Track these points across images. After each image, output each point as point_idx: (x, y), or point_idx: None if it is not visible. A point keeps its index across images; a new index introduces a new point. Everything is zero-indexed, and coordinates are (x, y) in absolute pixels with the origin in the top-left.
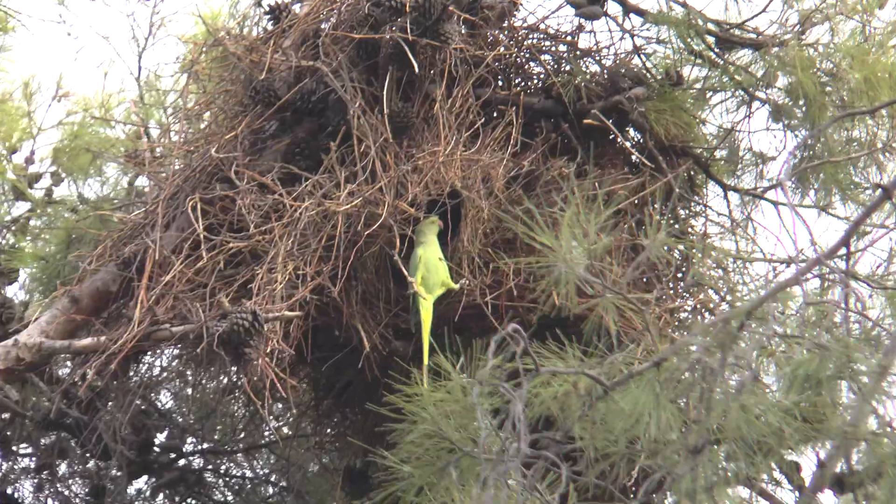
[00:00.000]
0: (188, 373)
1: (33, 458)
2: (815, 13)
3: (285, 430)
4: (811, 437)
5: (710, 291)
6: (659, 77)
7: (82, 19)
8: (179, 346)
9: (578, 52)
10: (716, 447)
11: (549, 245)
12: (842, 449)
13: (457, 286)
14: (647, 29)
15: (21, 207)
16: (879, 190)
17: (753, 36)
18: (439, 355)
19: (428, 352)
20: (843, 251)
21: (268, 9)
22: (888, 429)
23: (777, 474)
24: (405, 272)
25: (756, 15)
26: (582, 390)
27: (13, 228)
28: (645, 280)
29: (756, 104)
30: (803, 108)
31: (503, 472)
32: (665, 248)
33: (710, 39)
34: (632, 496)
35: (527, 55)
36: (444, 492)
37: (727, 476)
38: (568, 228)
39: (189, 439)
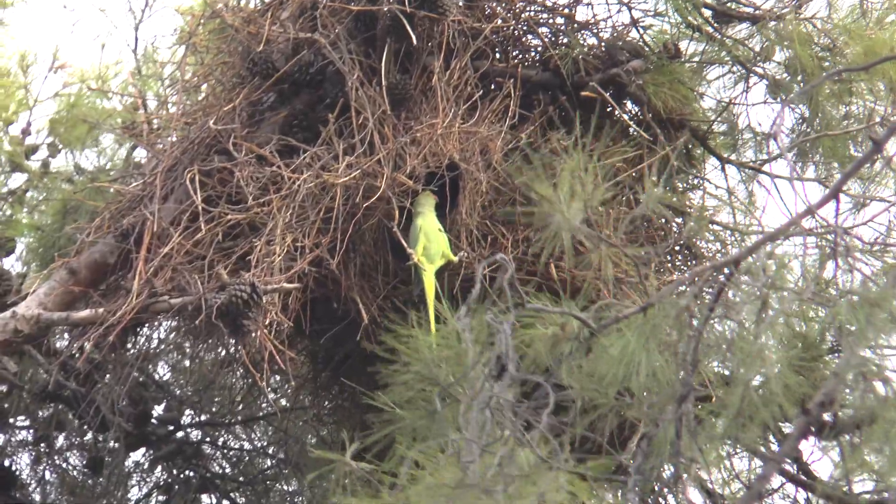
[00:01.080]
0: (186, 345)
1: (31, 431)
2: None
3: (283, 402)
4: (803, 389)
5: (707, 264)
6: (657, 50)
7: None
8: (178, 318)
9: (576, 25)
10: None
11: (547, 195)
12: (829, 394)
13: (456, 258)
14: (645, 2)
15: (18, 179)
16: (871, 143)
17: (751, 10)
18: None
19: (433, 319)
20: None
21: None
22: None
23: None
24: (405, 244)
25: None
26: (570, 333)
27: (10, 200)
28: (643, 253)
29: (753, 79)
30: (800, 83)
31: (488, 400)
32: (661, 203)
33: (708, 13)
34: (619, 448)
35: (524, 27)
36: (433, 434)
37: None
38: (567, 180)
39: (187, 411)
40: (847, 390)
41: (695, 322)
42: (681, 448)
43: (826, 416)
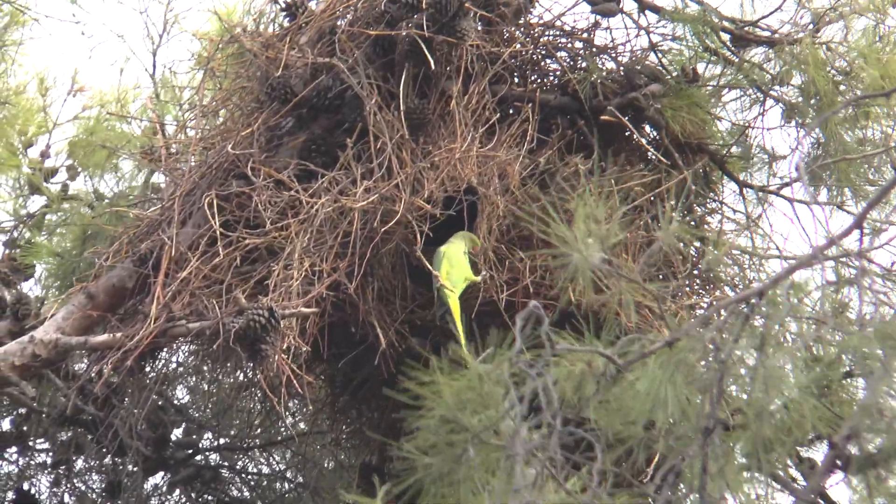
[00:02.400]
0: (204, 368)
1: (50, 454)
2: (828, 11)
3: (301, 426)
4: (829, 421)
5: (727, 289)
6: (675, 74)
7: (96, 17)
8: (196, 342)
9: (594, 49)
10: (730, 431)
11: (563, 237)
12: (854, 428)
13: (479, 278)
14: (663, 26)
15: (36, 202)
16: (894, 169)
17: (768, 34)
18: (458, 346)
19: (464, 337)
20: (856, 236)
21: (284, 5)
22: None
23: (793, 471)
24: (429, 266)
25: (771, 13)
26: (596, 370)
27: (29, 223)
28: (661, 277)
29: (770, 102)
30: (816, 107)
31: (528, 453)
32: (678, 238)
33: (725, 37)
34: (648, 481)
35: (543, 52)
36: (464, 480)
37: (738, 461)
38: (582, 218)
39: (205, 435)
40: (871, 424)
41: (720, 354)
42: (706, 483)
43: (852, 450)
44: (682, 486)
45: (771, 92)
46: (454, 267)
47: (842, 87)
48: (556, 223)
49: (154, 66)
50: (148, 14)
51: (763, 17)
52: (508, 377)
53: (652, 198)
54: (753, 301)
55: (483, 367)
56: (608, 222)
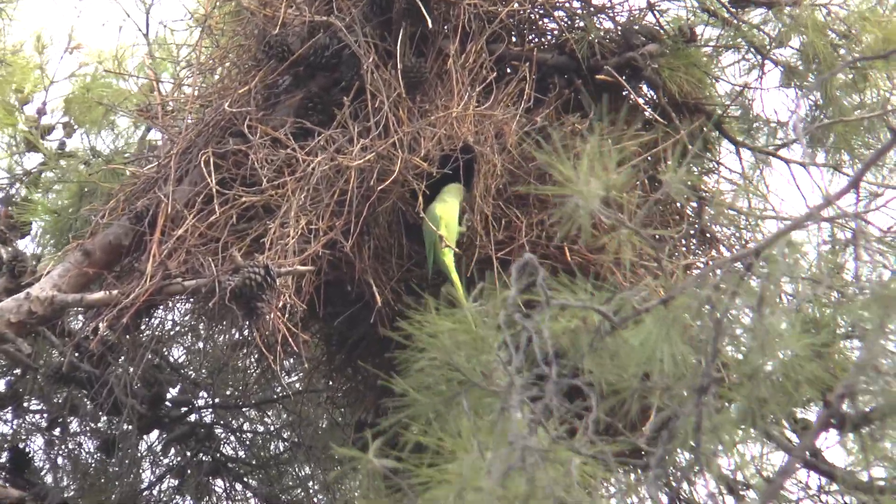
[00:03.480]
0: (200, 327)
1: (44, 415)
2: None
3: (297, 385)
4: (823, 386)
5: (723, 249)
6: (672, 34)
7: None
8: (191, 300)
9: (592, 8)
10: (723, 393)
11: (567, 175)
12: (849, 387)
13: (464, 228)
14: None
15: (33, 159)
16: (890, 132)
17: None
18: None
19: (462, 292)
20: (852, 197)
21: None
22: None
23: (788, 432)
24: (432, 226)
25: None
26: (591, 325)
27: (25, 181)
28: (657, 238)
29: (768, 65)
30: (815, 71)
31: (516, 403)
32: (683, 184)
33: None
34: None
35: (540, 11)
36: (454, 421)
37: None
38: (588, 159)
39: (200, 394)
40: (866, 383)
41: (715, 313)
42: (701, 440)
43: (846, 409)
44: (675, 444)
45: (770, 55)
46: (450, 230)
47: (841, 51)
48: (562, 160)
49: (147, 26)
50: None
51: None
52: (503, 322)
53: (649, 158)
54: (749, 260)
55: (477, 307)
56: (613, 167)
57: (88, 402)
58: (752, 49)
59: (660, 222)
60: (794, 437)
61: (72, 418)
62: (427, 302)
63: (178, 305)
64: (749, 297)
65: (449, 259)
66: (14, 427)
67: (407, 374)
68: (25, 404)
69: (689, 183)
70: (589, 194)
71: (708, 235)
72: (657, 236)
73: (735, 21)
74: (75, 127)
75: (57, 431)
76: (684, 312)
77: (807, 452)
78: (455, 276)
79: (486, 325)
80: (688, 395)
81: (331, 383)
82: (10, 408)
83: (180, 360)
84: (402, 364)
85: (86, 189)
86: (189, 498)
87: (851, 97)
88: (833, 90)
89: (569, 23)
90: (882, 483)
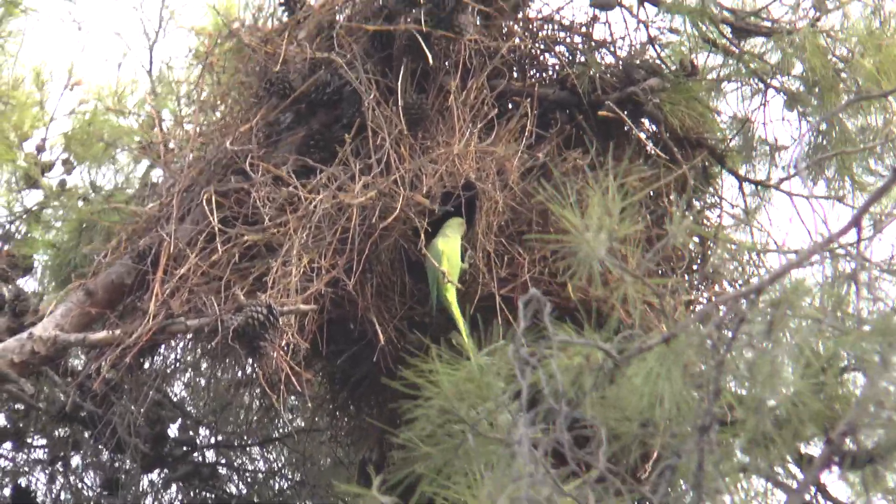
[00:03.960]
0: (203, 364)
1: (47, 451)
2: None
3: (300, 423)
4: (827, 419)
5: (725, 284)
6: (673, 67)
7: (92, 13)
8: (194, 339)
9: (593, 43)
10: (726, 430)
11: (575, 224)
12: (851, 424)
13: (467, 265)
14: (662, 19)
15: (33, 196)
16: (892, 171)
17: (768, 24)
18: (460, 335)
19: (465, 331)
20: (853, 233)
21: (282, 0)
22: None
23: (791, 467)
24: (434, 262)
25: (771, 2)
26: (594, 363)
27: (25, 217)
28: (660, 273)
29: (771, 92)
30: (817, 96)
31: (517, 454)
32: (688, 233)
33: (725, 28)
34: (642, 478)
35: (541, 46)
36: (461, 472)
37: (735, 458)
38: (595, 208)
39: (203, 432)
40: (869, 420)
41: (717, 350)
42: (703, 479)
43: (848, 445)
44: (678, 482)
45: (772, 82)
46: (452, 266)
47: (843, 75)
48: (569, 209)
49: (150, 62)
50: (143, 9)
51: (763, 7)
52: (508, 368)
53: (651, 193)
54: (751, 298)
55: (484, 359)
56: (619, 215)
57: (91, 441)
58: (753, 78)
59: (662, 258)
60: (797, 472)
61: (74, 454)
62: (431, 349)
63: (180, 344)
64: (751, 335)
65: (452, 295)
66: (16, 462)
67: (411, 422)
68: (29, 440)
69: (700, 230)
70: (596, 246)
71: (710, 271)
72: (659, 279)
73: (736, 51)
74: (75, 163)
75: (59, 467)
76: (686, 350)
77: (811, 489)
78: (457, 313)
79: (491, 373)
80: (690, 434)
81: (334, 421)
82: (12, 443)
83: (183, 398)
84: (406, 413)
85: (85, 225)
86: None
87: (854, 120)
88: (835, 115)
89: (570, 58)
90: None
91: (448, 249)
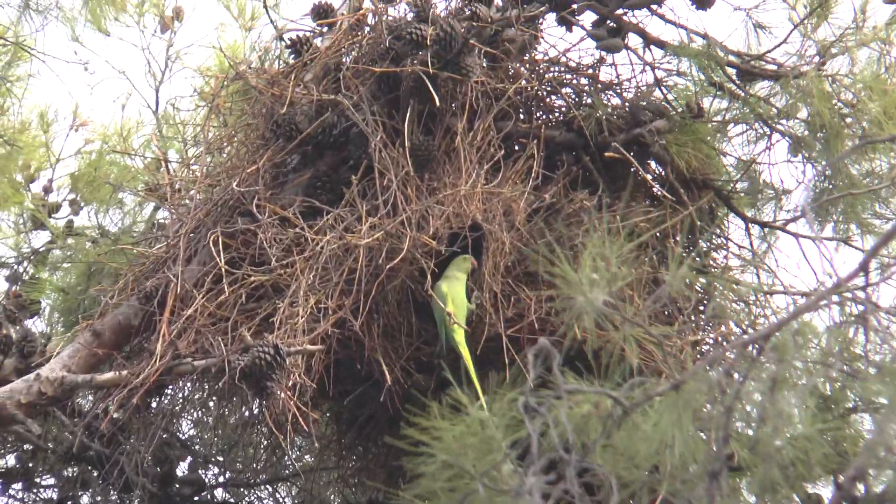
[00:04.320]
0: (210, 403)
1: (55, 491)
2: (834, 44)
3: (307, 461)
4: (834, 465)
5: (732, 324)
6: (680, 109)
7: (97, 54)
8: (201, 379)
9: (599, 85)
10: (735, 475)
11: (569, 277)
12: (860, 469)
13: (473, 306)
14: (668, 61)
15: (40, 237)
16: None
17: (774, 67)
18: (468, 382)
19: (474, 374)
20: (861, 277)
21: (289, 42)
22: None
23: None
24: (442, 305)
25: (776, 46)
26: (602, 411)
27: (33, 259)
28: (666, 313)
29: (776, 136)
30: (822, 141)
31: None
32: (686, 282)
33: (731, 71)
34: None
35: (548, 88)
36: None
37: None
38: (588, 259)
39: (211, 472)
40: (878, 464)
41: (727, 398)
42: None
43: (858, 491)
44: None
45: (777, 126)
46: (458, 307)
47: (848, 120)
48: (562, 263)
49: (157, 103)
50: (150, 51)
51: (769, 51)
52: (511, 418)
53: (657, 234)
54: (760, 343)
55: (485, 414)
56: (616, 263)
57: (100, 481)
58: (759, 121)
59: (668, 298)
60: None
61: (82, 493)
62: (432, 408)
63: (187, 384)
64: (760, 381)
65: (459, 336)
66: (25, 502)
67: (414, 481)
68: (37, 481)
69: (695, 272)
70: (593, 296)
71: (714, 313)
72: (664, 323)
73: (742, 94)
74: (82, 204)
75: None
76: (696, 396)
77: None
78: (466, 353)
79: (494, 426)
80: (699, 480)
81: (341, 461)
82: (21, 483)
83: (190, 437)
84: (411, 469)
85: (94, 268)
86: None
87: (861, 166)
88: (841, 160)
89: (576, 99)
90: None
91: (452, 292)
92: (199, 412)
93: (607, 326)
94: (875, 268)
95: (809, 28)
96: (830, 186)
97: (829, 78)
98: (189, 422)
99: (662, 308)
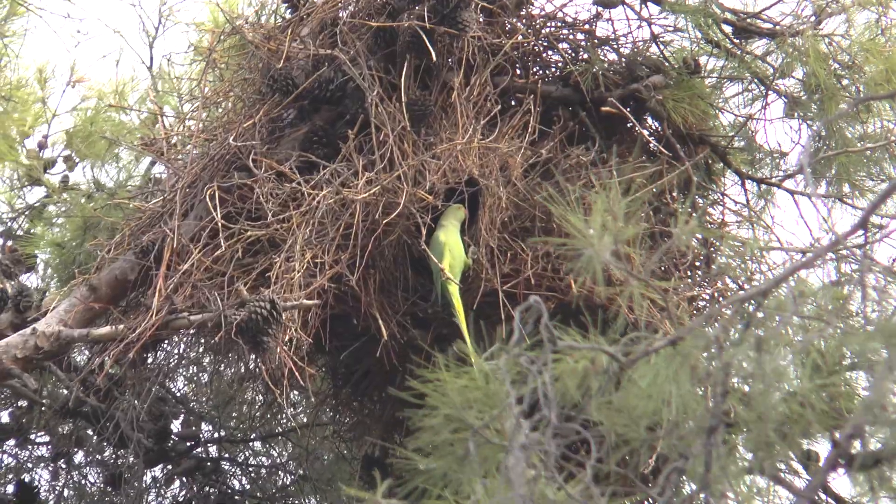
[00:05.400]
0: (205, 360)
1: (49, 447)
2: (830, 4)
3: (303, 418)
4: (830, 421)
5: (728, 280)
6: (676, 65)
7: (91, 11)
8: (197, 334)
9: (596, 41)
10: (731, 430)
11: (579, 228)
12: (857, 427)
13: (470, 260)
14: (665, 17)
15: (36, 193)
16: None
17: (770, 26)
18: (462, 338)
19: (466, 329)
20: (860, 234)
21: None
22: None
23: (795, 464)
24: (436, 261)
25: (773, 4)
26: (599, 367)
27: (28, 214)
28: (663, 269)
29: (772, 96)
30: (818, 102)
31: (525, 454)
32: (693, 236)
33: (727, 29)
34: (651, 483)
35: (544, 43)
36: (467, 481)
37: (742, 462)
38: (600, 211)
39: (206, 427)
40: (874, 421)
41: (723, 355)
42: (710, 480)
43: (854, 448)
44: (684, 484)
45: (773, 86)
46: (456, 258)
47: (844, 81)
48: (573, 212)
49: (151, 59)
50: (142, 6)
51: (765, 9)
52: (511, 374)
53: (654, 190)
54: (757, 300)
55: (488, 364)
56: (624, 217)
57: (94, 436)
58: (755, 80)
59: (665, 255)
60: (801, 469)
61: (77, 450)
62: (436, 358)
63: (183, 339)
64: (756, 338)
65: (454, 289)
66: (19, 459)
67: (416, 434)
68: (31, 436)
69: (705, 231)
70: (601, 248)
71: (716, 271)
72: (663, 271)
73: (738, 52)
74: (77, 161)
75: (62, 463)
76: (692, 352)
77: (815, 492)
78: (460, 309)
79: (497, 380)
80: (696, 436)
81: (337, 417)
82: (15, 440)
83: (185, 394)
84: (412, 423)
85: (90, 222)
86: None
87: (854, 128)
88: (836, 122)
89: (573, 55)
90: None
91: (450, 241)
92: (194, 369)
93: (610, 281)
94: (871, 228)
95: None
96: (825, 148)
97: (826, 38)
98: (185, 379)
99: (660, 264)
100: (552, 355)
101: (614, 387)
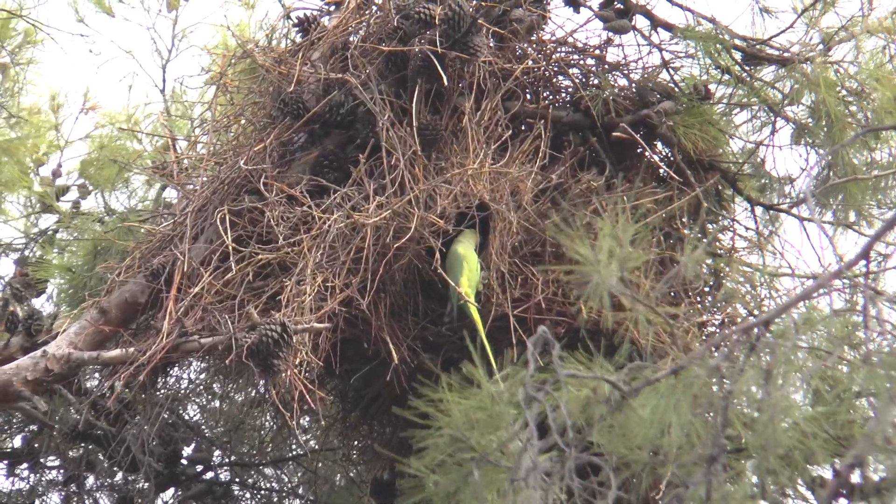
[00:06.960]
0: (216, 385)
1: (61, 471)
2: (839, 31)
3: (313, 442)
4: (836, 449)
5: (738, 306)
6: (687, 91)
7: (104, 34)
8: (208, 357)
9: (607, 66)
10: (737, 458)
11: (585, 255)
12: (859, 456)
13: (480, 285)
14: (675, 43)
15: (48, 220)
16: None
17: (779, 53)
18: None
19: (487, 346)
20: (863, 263)
21: (297, 21)
22: None
23: (802, 489)
24: (452, 283)
25: (781, 31)
26: (601, 396)
27: (40, 241)
28: (672, 294)
29: (780, 122)
30: (825, 129)
31: (528, 478)
32: (699, 265)
33: (737, 55)
34: None
35: (555, 68)
36: (469, 500)
37: (750, 489)
38: (606, 238)
39: (216, 452)
40: (876, 452)
41: (725, 383)
42: None
43: (855, 478)
44: None
45: (782, 112)
46: (472, 270)
47: (852, 108)
48: (580, 240)
49: (164, 82)
50: (155, 30)
51: (774, 36)
52: (521, 399)
53: (664, 215)
54: (760, 329)
55: (495, 388)
56: (628, 243)
57: (105, 460)
58: (764, 107)
59: (673, 281)
60: (806, 494)
61: (88, 474)
62: (441, 378)
63: (194, 363)
64: (758, 368)
65: (475, 311)
66: (31, 483)
67: (422, 451)
68: (42, 460)
69: (707, 253)
70: (607, 275)
71: (724, 298)
72: (673, 296)
73: (748, 78)
74: (90, 189)
75: (74, 487)
76: (695, 382)
77: None
78: (477, 318)
79: (503, 402)
80: (697, 465)
81: (346, 441)
82: (27, 464)
83: (196, 419)
84: (417, 441)
85: (100, 247)
86: None
87: (862, 155)
88: (843, 149)
89: (584, 80)
90: None
91: (468, 254)
92: (205, 396)
93: (618, 307)
94: (874, 257)
95: (816, 13)
96: (832, 175)
97: (834, 65)
98: (195, 405)
99: (669, 289)
100: (554, 385)
101: (616, 415)
